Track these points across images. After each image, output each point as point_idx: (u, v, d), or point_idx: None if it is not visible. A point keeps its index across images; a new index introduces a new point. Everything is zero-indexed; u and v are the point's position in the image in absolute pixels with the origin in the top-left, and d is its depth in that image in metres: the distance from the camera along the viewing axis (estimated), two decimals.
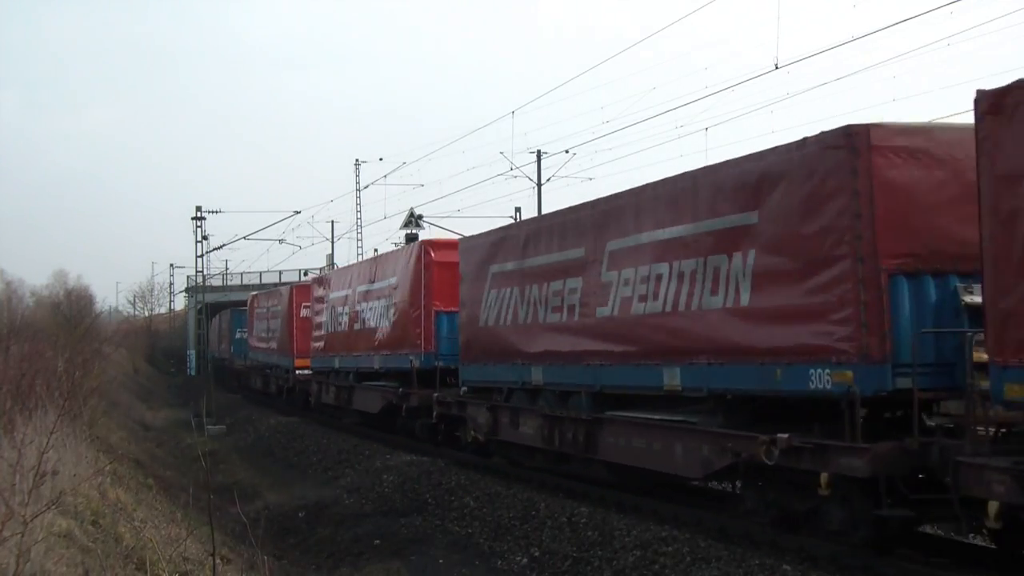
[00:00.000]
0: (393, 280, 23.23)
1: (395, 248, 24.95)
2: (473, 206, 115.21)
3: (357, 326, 26.01)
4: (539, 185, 45.71)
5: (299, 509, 18.30)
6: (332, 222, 68.23)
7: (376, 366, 24.38)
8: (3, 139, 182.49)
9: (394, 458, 21.18)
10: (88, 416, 19.07)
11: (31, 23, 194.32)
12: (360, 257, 64.97)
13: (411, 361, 21.48)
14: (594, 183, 72.53)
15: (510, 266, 17.71)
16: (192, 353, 68.97)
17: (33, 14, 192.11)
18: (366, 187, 62.17)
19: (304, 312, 33.16)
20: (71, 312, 55.06)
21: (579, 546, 12.69)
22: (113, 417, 28.08)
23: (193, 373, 65.24)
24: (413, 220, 44.55)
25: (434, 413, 20.74)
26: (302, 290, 34.61)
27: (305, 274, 71.04)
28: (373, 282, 24.71)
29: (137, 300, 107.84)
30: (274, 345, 38.10)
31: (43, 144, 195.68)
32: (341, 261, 64.45)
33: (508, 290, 17.65)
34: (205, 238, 55.94)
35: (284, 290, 37.27)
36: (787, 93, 63.98)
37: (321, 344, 29.88)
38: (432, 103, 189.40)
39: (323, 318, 29.74)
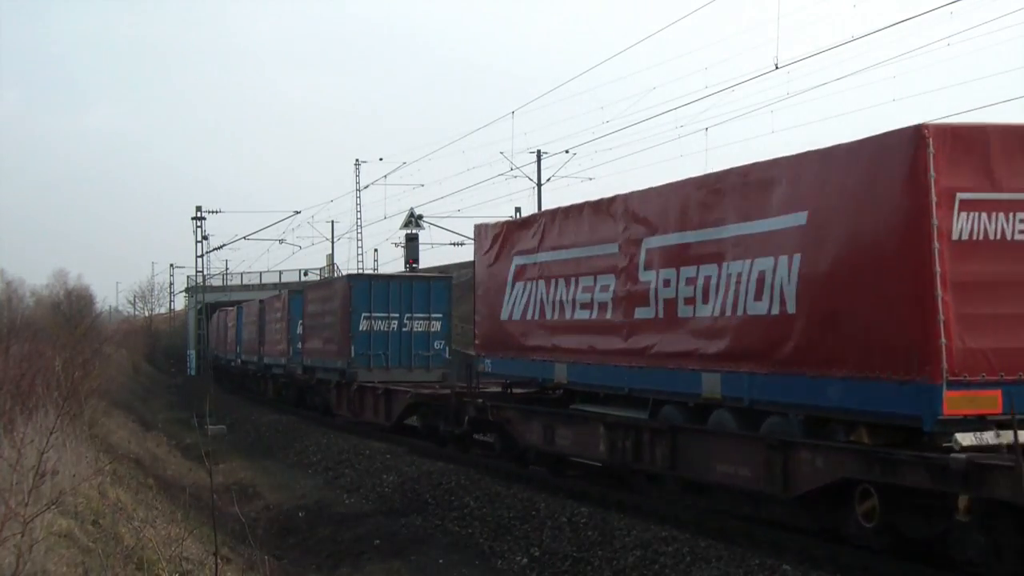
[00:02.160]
0: None
1: None
2: (473, 206, 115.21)
3: None
4: (539, 185, 45.81)
5: (299, 509, 18.30)
6: (332, 222, 68.34)
7: None
8: (4, 139, 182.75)
9: (394, 458, 21.18)
10: (88, 416, 19.07)
11: (32, 22, 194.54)
12: (360, 262, 64.68)
13: None
14: (594, 183, 72.46)
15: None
16: (192, 353, 68.89)
17: (34, 13, 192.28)
18: (366, 187, 62.26)
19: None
20: (71, 312, 55.18)
21: (579, 546, 12.70)
22: (113, 417, 28.08)
23: (193, 373, 65.16)
24: (413, 220, 44.62)
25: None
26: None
27: (305, 274, 70.71)
28: None
29: (137, 300, 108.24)
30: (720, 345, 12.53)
31: (43, 144, 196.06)
32: (341, 261, 64.37)
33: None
34: (205, 238, 56.11)
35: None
36: (787, 93, 63.91)
37: None
38: (432, 103, 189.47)
39: None
